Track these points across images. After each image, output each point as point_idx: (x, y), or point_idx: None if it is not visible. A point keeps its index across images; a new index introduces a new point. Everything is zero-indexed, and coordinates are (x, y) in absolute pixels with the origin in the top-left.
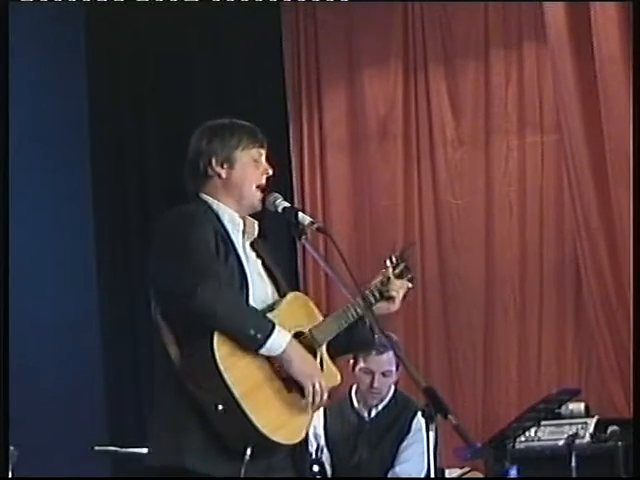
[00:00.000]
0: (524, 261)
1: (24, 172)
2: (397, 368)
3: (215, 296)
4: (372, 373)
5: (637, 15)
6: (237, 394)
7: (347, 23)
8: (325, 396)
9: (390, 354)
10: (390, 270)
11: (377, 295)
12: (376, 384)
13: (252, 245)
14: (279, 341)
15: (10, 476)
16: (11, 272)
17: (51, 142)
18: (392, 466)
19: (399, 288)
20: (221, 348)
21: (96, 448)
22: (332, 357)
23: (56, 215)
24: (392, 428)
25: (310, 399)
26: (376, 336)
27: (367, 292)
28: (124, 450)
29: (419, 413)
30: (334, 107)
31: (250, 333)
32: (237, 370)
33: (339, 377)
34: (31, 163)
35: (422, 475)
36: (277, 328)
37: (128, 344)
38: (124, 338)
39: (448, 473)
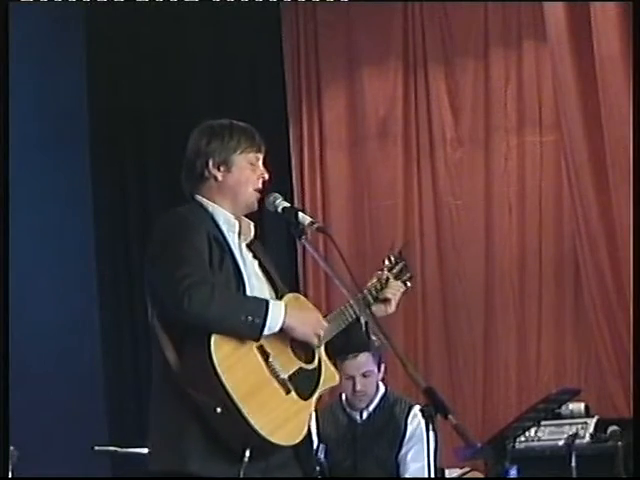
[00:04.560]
0: (523, 260)
1: (24, 173)
2: (379, 367)
3: (205, 302)
4: (352, 377)
5: (637, 15)
6: (236, 397)
7: (347, 23)
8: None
9: (366, 355)
10: (386, 271)
11: (374, 296)
12: (358, 387)
13: (249, 246)
14: (276, 317)
15: (10, 476)
16: (11, 274)
17: (51, 142)
18: (399, 472)
19: (396, 290)
20: (218, 351)
21: (96, 448)
22: (329, 357)
23: (56, 217)
24: (386, 428)
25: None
26: (372, 337)
27: (363, 293)
28: (124, 450)
29: (413, 410)
30: (334, 107)
31: (247, 321)
32: (235, 373)
33: (337, 377)
34: (31, 163)
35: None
36: (270, 303)
37: (128, 344)
38: (124, 338)
39: (448, 473)
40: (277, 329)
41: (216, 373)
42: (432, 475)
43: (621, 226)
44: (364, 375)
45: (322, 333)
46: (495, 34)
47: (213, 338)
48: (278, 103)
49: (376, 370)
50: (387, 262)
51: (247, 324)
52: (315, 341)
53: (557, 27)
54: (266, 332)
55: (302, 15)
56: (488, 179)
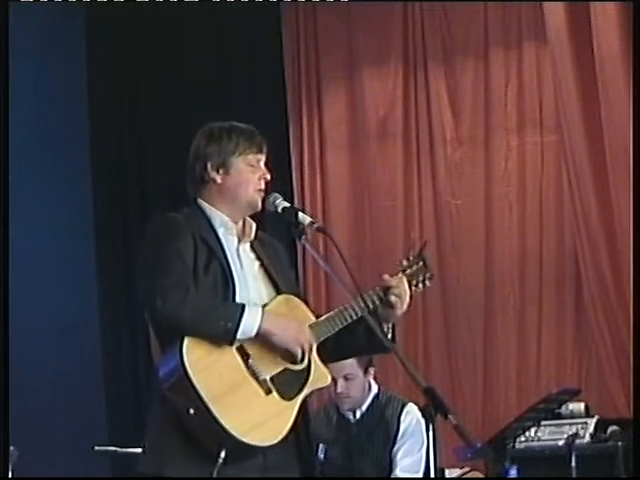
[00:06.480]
0: (524, 261)
1: (24, 172)
2: (366, 370)
3: (179, 305)
4: (334, 379)
5: (637, 15)
6: (207, 398)
7: (347, 23)
8: (313, 345)
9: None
10: (400, 271)
11: (380, 298)
12: (339, 389)
13: (252, 246)
14: (251, 322)
15: (10, 476)
16: (11, 274)
17: (51, 142)
18: (392, 468)
19: (405, 292)
20: (190, 353)
21: (96, 448)
22: (333, 359)
23: (56, 216)
24: (379, 427)
25: (300, 359)
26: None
27: (370, 294)
28: (124, 450)
29: (406, 408)
30: (334, 107)
31: (220, 326)
32: (208, 375)
33: (329, 377)
34: (31, 163)
35: (423, 465)
36: (246, 309)
37: (128, 344)
38: (123, 339)
39: (448, 473)
40: (253, 334)
41: (187, 375)
42: (432, 475)
43: (621, 226)
44: (345, 378)
45: (306, 345)
46: (495, 34)
47: (186, 341)
48: (278, 103)
49: (361, 373)
50: (405, 262)
51: (220, 328)
52: (297, 350)
53: (557, 27)
54: (240, 337)
55: (302, 15)
56: (488, 179)
